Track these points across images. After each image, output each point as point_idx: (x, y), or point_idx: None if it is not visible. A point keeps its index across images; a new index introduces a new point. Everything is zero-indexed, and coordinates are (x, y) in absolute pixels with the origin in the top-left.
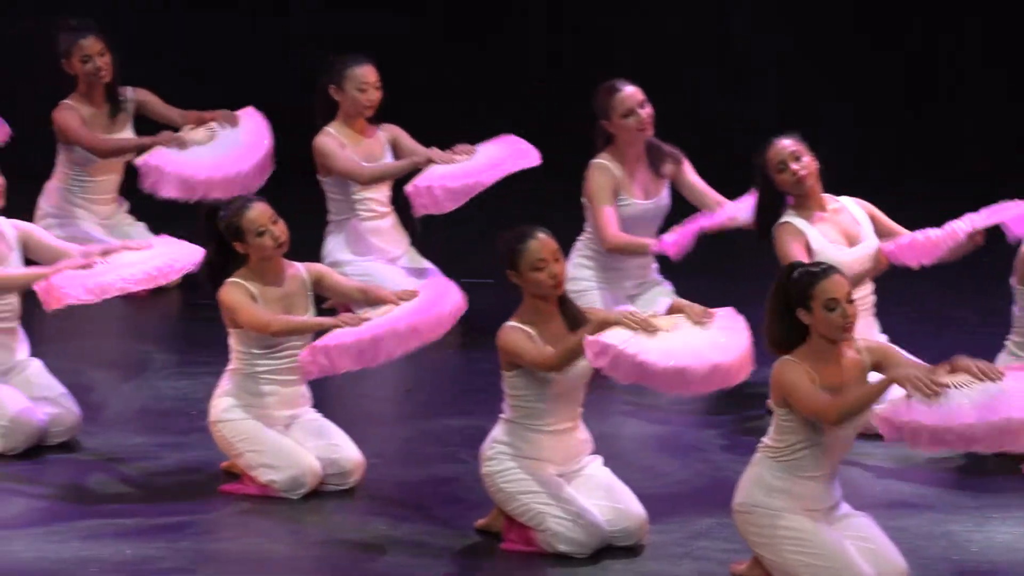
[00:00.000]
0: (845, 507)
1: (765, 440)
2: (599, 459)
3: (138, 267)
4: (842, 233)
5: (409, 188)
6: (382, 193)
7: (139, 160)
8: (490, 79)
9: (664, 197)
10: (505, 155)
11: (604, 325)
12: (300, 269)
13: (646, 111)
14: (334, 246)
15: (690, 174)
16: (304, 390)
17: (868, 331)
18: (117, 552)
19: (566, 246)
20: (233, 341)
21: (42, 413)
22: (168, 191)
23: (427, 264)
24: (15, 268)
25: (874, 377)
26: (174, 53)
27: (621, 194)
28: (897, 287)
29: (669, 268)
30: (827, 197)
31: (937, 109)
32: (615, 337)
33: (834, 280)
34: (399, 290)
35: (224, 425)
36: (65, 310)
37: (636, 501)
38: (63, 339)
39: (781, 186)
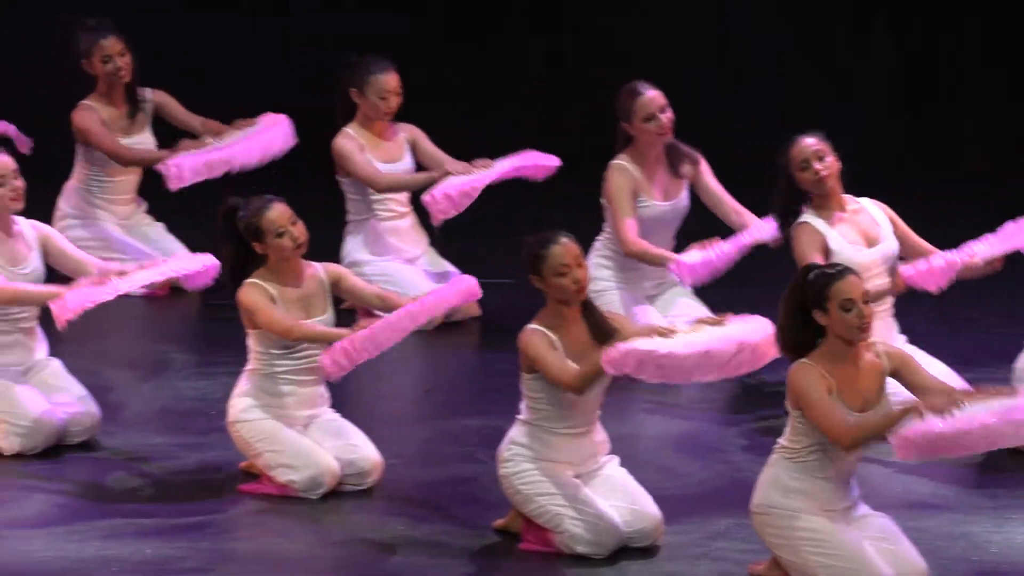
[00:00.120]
0: (864, 507)
1: (781, 441)
2: (616, 459)
3: (149, 276)
4: (861, 234)
5: (426, 198)
6: (401, 193)
7: (160, 166)
8: (490, 79)
9: (683, 199)
10: (522, 161)
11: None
12: (319, 269)
13: (667, 116)
14: (353, 246)
15: (708, 177)
16: (323, 390)
17: (887, 332)
18: (137, 551)
19: None
20: (252, 342)
21: (62, 413)
22: (192, 177)
23: (447, 265)
24: (34, 285)
25: (891, 384)
26: (174, 53)
27: (640, 195)
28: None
29: None
30: (847, 198)
31: (937, 109)
32: (635, 342)
33: (850, 281)
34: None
35: (243, 425)
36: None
37: (652, 502)
38: (82, 339)
39: (802, 184)
